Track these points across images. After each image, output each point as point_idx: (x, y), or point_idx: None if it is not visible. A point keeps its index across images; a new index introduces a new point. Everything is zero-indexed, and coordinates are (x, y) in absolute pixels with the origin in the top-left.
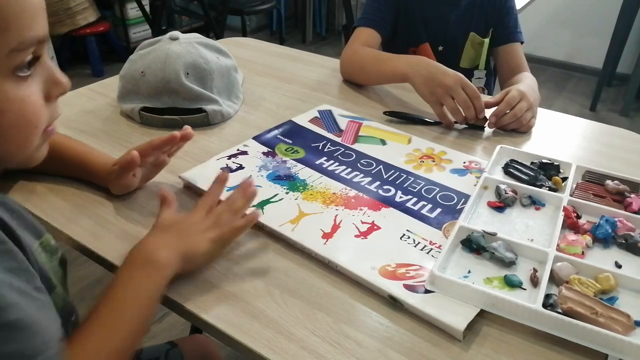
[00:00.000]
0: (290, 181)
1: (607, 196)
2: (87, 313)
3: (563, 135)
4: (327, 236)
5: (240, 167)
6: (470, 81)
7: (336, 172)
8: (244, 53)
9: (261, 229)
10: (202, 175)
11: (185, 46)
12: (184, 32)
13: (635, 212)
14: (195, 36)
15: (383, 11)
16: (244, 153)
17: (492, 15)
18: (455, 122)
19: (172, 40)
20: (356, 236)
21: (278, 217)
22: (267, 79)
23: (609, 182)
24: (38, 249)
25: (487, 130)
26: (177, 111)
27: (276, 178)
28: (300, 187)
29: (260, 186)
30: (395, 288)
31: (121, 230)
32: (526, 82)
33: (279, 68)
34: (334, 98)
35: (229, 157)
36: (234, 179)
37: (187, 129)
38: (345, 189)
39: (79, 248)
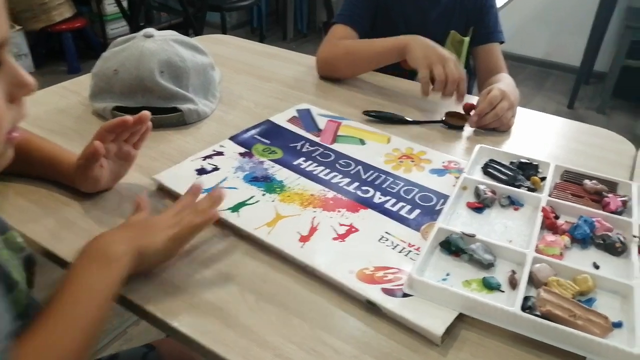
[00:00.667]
0: (267, 182)
1: (585, 196)
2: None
3: (542, 135)
4: (304, 239)
5: (216, 169)
6: None
7: (314, 173)
8: (222, 50)
9: (237, 233)
10: (176, 177)
11: (160, 44)
12: (162, 28)
13: (613, 212)
14: (171, 33)
15: (361, 7)
16: (220, 154)
17: (473, 14)
18: (446, 123)
19: (146, 37)
20: (334, 239)
21: (254, 219)
22: (245, 77)
23: (587, 181)
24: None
25: (467, 130)
26: (151, 110)
27: (253, 179)
28: (278, 189)
29: (236, 188)
30: (373, 292)
31: (86, 232)
32: (506, 82)
33: (257, 66)
34: (313, 97)
35: (204, 158)
36: (209, 181)
37: (144, 113)
38: (324, 190)
39: (38, 249)
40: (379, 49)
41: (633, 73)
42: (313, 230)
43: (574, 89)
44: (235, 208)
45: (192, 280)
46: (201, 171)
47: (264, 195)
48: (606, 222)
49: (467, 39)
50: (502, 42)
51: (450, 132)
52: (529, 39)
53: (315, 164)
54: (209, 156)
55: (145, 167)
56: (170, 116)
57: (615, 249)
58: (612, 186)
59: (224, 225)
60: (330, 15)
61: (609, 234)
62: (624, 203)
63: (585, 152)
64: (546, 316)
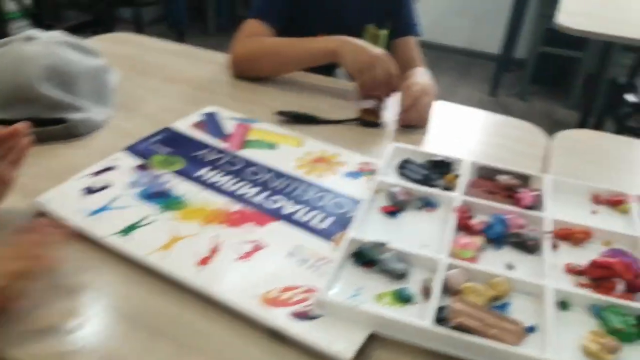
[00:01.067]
0: (164, 199)
1: (499, 192)
2: None
3: (460, 129)
4: (203, 262)
5: (105, 187)
6: None
7: (218, 184)
8: (123, 50)
9: (126, 260)
10: (59, 199)
11: (43, 47)
12: (71, 27)
13: (526, 208)
14: (57, 35)
15: (275, 1)
16: (110, 169)
17: (390, 7)
18: (363, 121)
19: (27, 40)
20: (238, 259)
21: (146, 243)
22: (147, 79)
23: (501, 177)
24: None
25: (386, 127)
26: (35, 122)
27: (149, 196)
28: (177, 205)
29: (125, 207)
30: (279, 317)
31: None
32: (423, 77)
33: (164, 66)
34: (225, 98)
35: (94, 175)
36: (96, 202)
37: (17, 126)
38: (229, 204)
39: None
40: (307, 50)
41: (550, 59)
42: (214, 250)
43: (495, 77)
44: (126, 231)
45: (69, 319)
46: (88, 190)
47: (161, 213)
48: (520, 219)
49: (383, 33)
50: (418, 36)
51: (368, 130)
52: (450, 28)
53: (220, 174)
54: (99, 172)
55: (29, 188)
56: (56, 128)
57: (528, 247)
58: (525, 180)
59: (110, 252)
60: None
61: (522, 231)
62: (537, 197)
63: (502, 145)
64: (459, 328)
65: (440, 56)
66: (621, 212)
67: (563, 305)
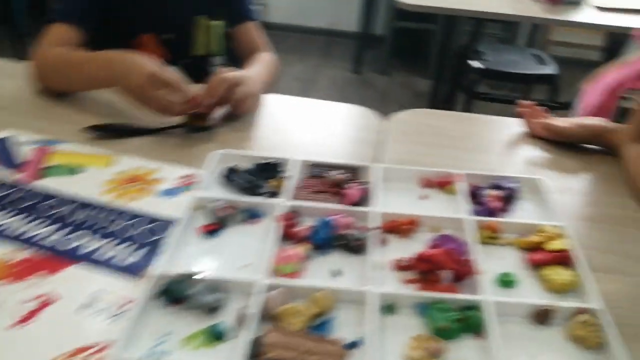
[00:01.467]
0: None
1: (327, 190)
2: None
3: (295, 123)
4: None
5: None
6: (209, 69)
7: (2, 227)
8: None
9: None
10: None
11: None
12: None
13: (354, 204)
14: None
15: (86, 1)
16: None
17: None
18: (190, 126)
19: None
20: (12, 325)
21: None
22: None
23: (330, 173)
24: None
25: (216, 132)
26: None
27: None
28: None
29: None
30: None
31: None
32: (260, 64)
33: None
34: (25, 118)
35: None
36: None
37: None
38: (16, 251)
39: None
40: (89, 73)
41: (407, 33)
42: None
43: (357, 54)
44: None
45: None
46: None
47: None
48: (347, 217)
49: (216, 24)
50: (256, 20)
51: (195, 136)
52: (310, 9)
53: (10, 214)
54: None
55: None
56: None
57: (355, 247)
58: (355, 173)
59: None
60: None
61: (348, 232)
62: (365, 191)
63: (335, 134)
64: None
65: (304, 38)
66: (449, 193)
67: (389, 309)
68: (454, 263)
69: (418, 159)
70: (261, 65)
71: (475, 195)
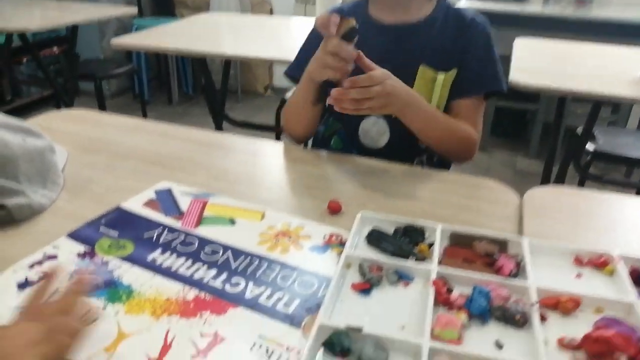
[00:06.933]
0: (110, 289)
1: (477, 260)
2: None
3: (425, 191)
4: None
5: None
6: None
7: (172, 268)
8: (71, 127)
9: None
10: None
11: None
12: (32, 102)
13: (507, 276)
14: None
15: (301, 61)
16: (53, 257)
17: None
18: None
19: None
20: (193, 357)
21: (88, 344)
22: (97, 156)
23: (476, 243)
24: None
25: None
26: None
27: (92, 288)
28: (124, 296)
29: None
30: None
31: None
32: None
33: (113, 142)
34: (179, 172)
35: (32, 266)
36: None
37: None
38: (183, 290)
39: None
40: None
41: (507, 112)
42: (166, 349)
43: None
44: None
45: None
46: (25, 284)
47: (104, 308)
48: (502, 289)
49: (440, 77)
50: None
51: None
52: None
53: (174, 256)
54: (38, 262)
55: None
56: None
57: (515, 321)
58: (502, 245)
59: None
60: (207, 77)
61: (507, 304)
62: (518, 263)
63: (471, 208)
64: None
65: None
66: (607, 273)
67: None
68: (633, 347)
69: (558, 237)
70: (445, 117)
71: (637, 279)
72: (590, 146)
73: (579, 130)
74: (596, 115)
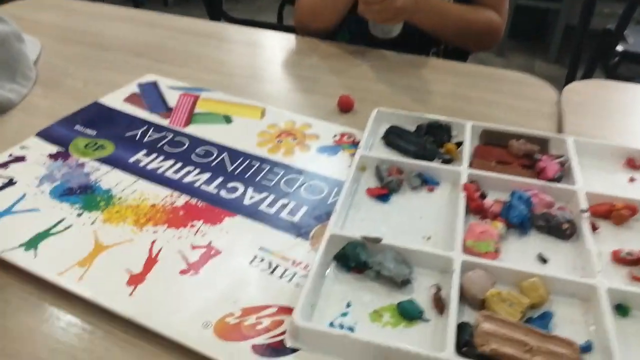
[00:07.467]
0: (86, 195)
1: (513, 161)
2: None
3: (446, 86)
4: (135, 280)
5: (11, 182)
6: None
7: (158, 171)
8: (45, 17)
9: (34, 280)
10: None
11: None
12: None
13: (550, 180)
14: None
15: None
16: (20, 159)
17: None
18: None
19: None
20: (182, 272)
21: (60, 258)
22: (74, 47)
23: (513, 142)
24: None
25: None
26: None
27: (65, 193)
28: (102, 203)
29: (37, 210)
30: (241, 353)
31: None
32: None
33: (95, 32)
34: (169, 65)
35: None
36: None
37: None
38: (172, 196)
39: None
40: None
41: (527, 12)
42: (151, 262)
43: None
44: (32, 243)
45: None
46: None
47: (79, 215)
48: (545, 195)
49: None
50: None
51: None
52: None
53: (161, 158)
54: (4, 164)
55: None
56: None
57: (562, 232)
58: (543, 144)
59: (11, 270)
60: None
61: (551, 211)
62: (562, 165)
63: (499, 103)
64: (492, 357)
65: None
66: None
67: (621, 310)
68: None
69: (603, 137)
70: (460, 9)
71: None
72: (619, 47)
73: (610, 27)
74: (632, 13)
